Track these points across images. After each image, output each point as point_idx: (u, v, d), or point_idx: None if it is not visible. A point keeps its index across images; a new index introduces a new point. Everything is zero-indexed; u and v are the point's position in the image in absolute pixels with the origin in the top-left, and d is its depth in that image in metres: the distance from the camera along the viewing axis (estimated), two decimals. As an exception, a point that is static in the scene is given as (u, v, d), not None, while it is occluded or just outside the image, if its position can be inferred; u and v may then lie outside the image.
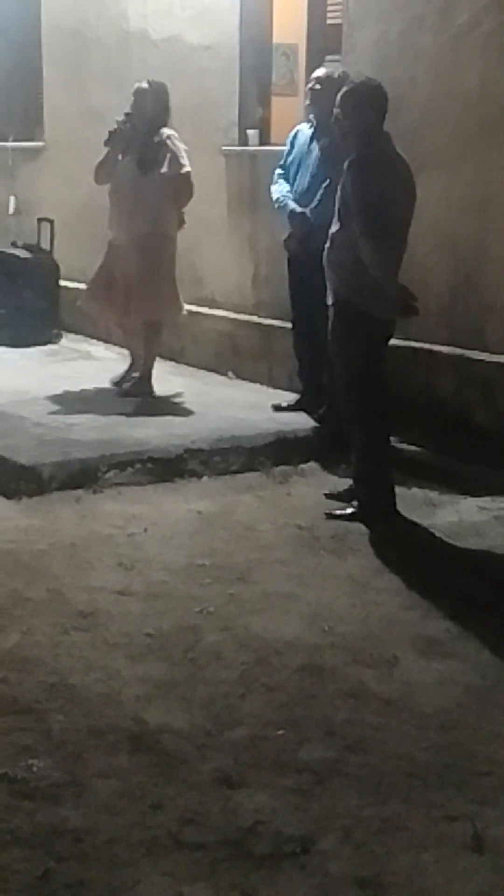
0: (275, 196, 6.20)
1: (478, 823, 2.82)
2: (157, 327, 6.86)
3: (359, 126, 4.86)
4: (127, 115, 6.68)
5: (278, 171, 6.25)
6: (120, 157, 6.66)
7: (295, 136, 6.22)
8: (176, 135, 6.59)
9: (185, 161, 6.53)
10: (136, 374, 6.92)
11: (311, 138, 6.05)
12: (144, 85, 6.65)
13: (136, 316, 6.78)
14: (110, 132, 6.67)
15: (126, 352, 7.26)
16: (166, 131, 6.56)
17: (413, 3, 6.02)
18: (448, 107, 5.90)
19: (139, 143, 6.60)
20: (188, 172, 6.53)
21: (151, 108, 6.60)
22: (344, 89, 4.97)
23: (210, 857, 2.71)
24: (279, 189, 6.19)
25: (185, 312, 6.94)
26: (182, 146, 6.56)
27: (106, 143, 6.69)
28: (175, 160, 6.51)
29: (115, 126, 6.67)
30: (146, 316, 6.78)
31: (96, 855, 2.70)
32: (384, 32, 6.17)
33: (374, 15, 6.23)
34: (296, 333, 6.36)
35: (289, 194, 6.12)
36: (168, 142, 6.53)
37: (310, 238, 5.72)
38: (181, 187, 6.56)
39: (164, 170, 6.50)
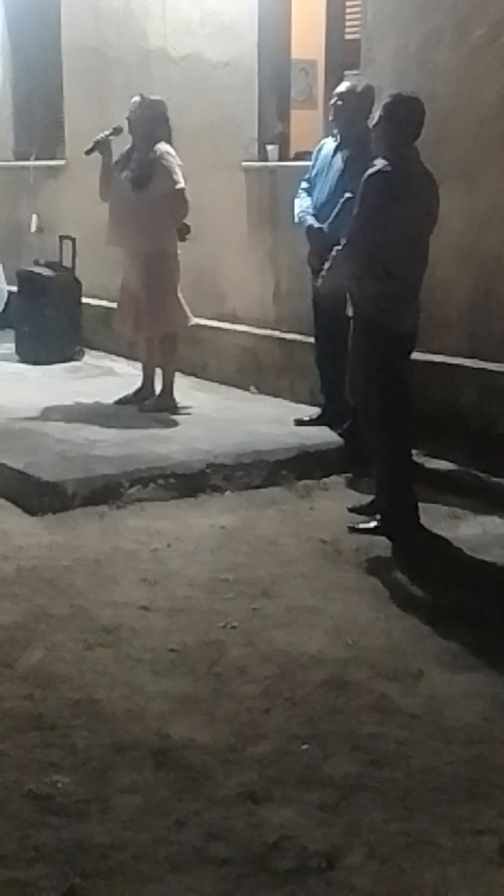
0: (296, 210, 6.21)
1: (504, 837, 2.81)
2: (171, 341, 6.88)
3: (384, 139, 4.85)
4: (115, 128, 6.71)
5: (303, 184, 6.25)
6: (116, 172, 6.67)
7: (319, 150, 6.22)
8: (171, 151, 6.55)
9: (178, 177, 6.49)
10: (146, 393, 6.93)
11: (335, 151, 6.05)
12: (137, 99, 6.64)
13: (148, 332, 6.82)
14: (94, 142, 6.70)
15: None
16: (161, 147, 6.53)
17: (431, 17, 6.03)
18: (467, 119, 5.90)
19: (135, 159, 6.61)
20: (182, 189, 6.50)
21: (145, 123, 6.57)
22: (386, 99, 4.97)
23: (235, 872, 2.70)
24: (300, 204, 6.19)
25: (192, 322, 6.92)
26: (177, 162, 6.53)
27: (85, 153, 6.74)
28: (168, 176, 6.48)
29: (100, 136, 6.70)
30: (158, 331, 6.81)
31: (122, 871, 2.70)
32: (403, 46, 6.19)
33: (393, 29, 6.24)
34: (318, 348, 6.36)
35: (309, 209, 6.12)
36: (162, 159, 6.50)
37: (329, 253, 5.71)
38: (175, 204, 6.52)
39: (157, 187, 6.48)
